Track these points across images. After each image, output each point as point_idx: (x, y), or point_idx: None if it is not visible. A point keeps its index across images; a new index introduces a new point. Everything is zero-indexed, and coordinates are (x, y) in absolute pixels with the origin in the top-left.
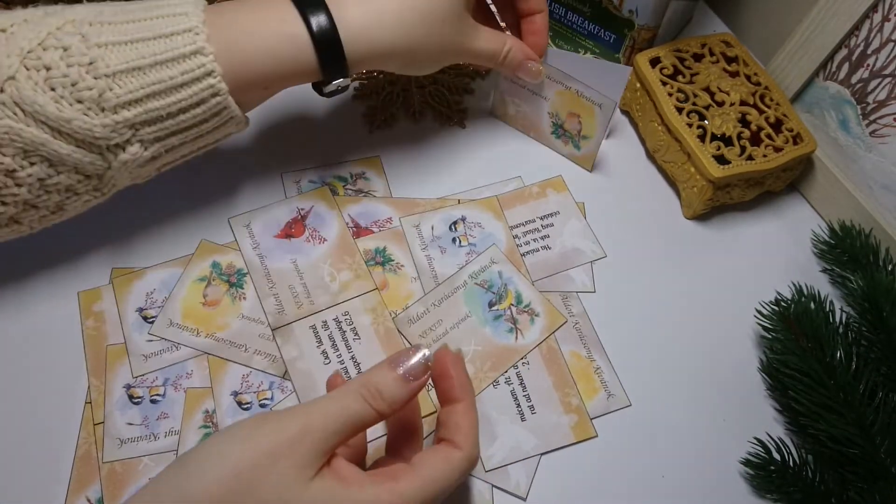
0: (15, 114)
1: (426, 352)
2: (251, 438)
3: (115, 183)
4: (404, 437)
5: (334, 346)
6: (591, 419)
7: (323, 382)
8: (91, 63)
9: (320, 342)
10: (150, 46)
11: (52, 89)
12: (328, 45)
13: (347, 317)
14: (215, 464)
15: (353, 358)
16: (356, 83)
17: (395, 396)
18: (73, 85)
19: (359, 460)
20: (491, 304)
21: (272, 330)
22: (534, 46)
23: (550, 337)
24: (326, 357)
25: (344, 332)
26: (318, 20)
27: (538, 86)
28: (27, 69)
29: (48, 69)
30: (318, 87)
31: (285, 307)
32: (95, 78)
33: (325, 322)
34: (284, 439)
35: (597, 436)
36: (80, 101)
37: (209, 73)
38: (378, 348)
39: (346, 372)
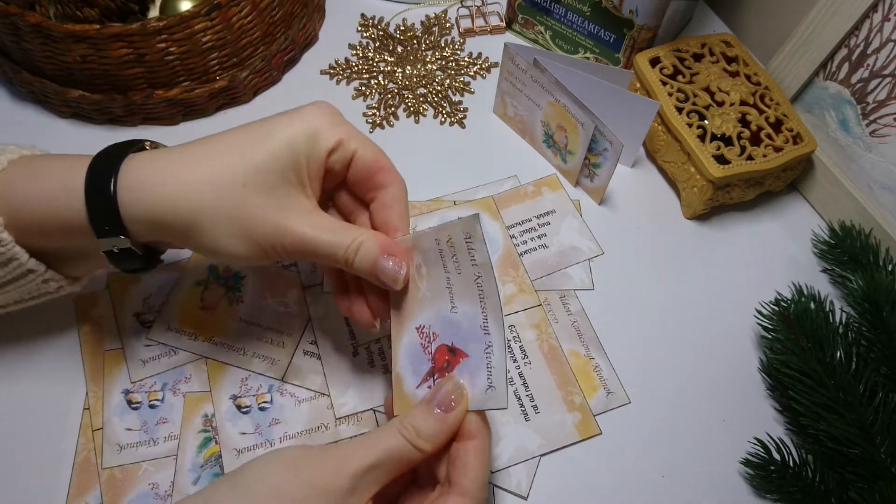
0: None
1: (457, 380)
2: (295, 467)
3: None
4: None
5: None
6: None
7: None
8: None
9: None
10: None
11: None
12: (98, 193)
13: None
14: (261, 487)
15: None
16: (356, 83)
17: (432, 432)
18: None
19: None
20: None
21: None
22: (385, 225)
23: (551, 335)
24: None
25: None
26: (99, 173)
27: (534, 92)
28: None
29: None
30: (111, 259)
31: None
32: None
33: None
34: (324, 475)
35: (601, 433)
36: None
37: None
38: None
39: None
